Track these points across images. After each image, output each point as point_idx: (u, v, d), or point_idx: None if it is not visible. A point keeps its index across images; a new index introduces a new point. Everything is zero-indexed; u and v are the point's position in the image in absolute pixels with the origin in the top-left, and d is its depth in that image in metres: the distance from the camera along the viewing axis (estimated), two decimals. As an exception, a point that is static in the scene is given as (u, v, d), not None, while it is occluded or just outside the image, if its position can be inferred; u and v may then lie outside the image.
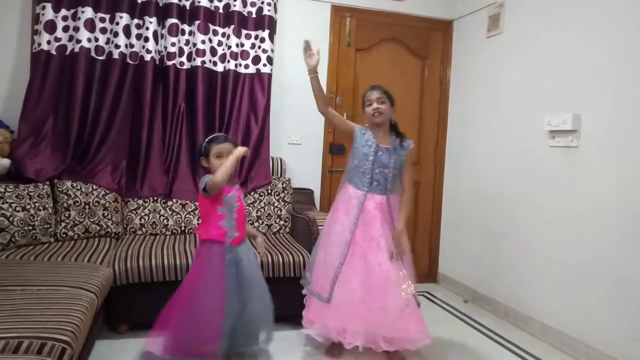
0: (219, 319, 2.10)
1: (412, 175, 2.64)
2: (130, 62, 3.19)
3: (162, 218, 3.16)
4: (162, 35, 3.29)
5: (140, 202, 3.16)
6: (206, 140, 2.25)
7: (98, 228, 2.95)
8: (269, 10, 3.44)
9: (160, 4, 3.26)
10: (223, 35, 3.40)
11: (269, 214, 3.35)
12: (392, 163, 2.47)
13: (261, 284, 2.27)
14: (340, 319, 2.35)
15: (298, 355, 2.52)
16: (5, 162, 2.82)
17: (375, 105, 2.47)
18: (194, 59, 3.33)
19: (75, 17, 3.08)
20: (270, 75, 3.47)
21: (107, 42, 3.15)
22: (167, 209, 3.19)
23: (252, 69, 3.45)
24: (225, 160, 2.13)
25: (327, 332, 2.41)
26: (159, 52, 3.29)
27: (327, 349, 2.51)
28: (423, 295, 3.60)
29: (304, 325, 2.51)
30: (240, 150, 2.16)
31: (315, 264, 2.54)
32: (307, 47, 2.49)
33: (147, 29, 3.21)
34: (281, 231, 3.37)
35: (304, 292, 2.59)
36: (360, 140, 2.50)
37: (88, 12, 3.06)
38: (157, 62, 3.27)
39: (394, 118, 2.55)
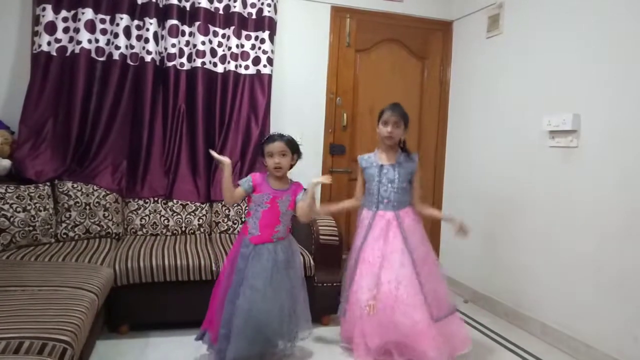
0: (221, 307, 2.22)
1: (419, 183, 2.67)
2: (131, 63, 3.20)
3: (162, 219, 3.16)
4: (162, 37, 3.29)
5: (141, 202, 3.17)
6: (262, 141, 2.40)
7: (99, 229, 2.96)
8: (269, 12, 3.44)
9: (160, 5, 3.27)
10: (223, 36, 3.41)
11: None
12: (397, 176, 2.52)
13: (280, 290, 2.25)
14: (352, 333, 2.42)
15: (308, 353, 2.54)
16: (6, 163, 2.83)
17: (390, 129, 2.50)
18: (194, 60, 3.33)
19: (75, 18, 3.09)
20: (270, 76, 3.48)
21: (108, 43, 3.15)
22: (168, 209, 3.20)
23: (252, 70, 3.46)
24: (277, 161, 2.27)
25: (351, 343, 2.48)
26: (159, 53, 3.29)
27: None
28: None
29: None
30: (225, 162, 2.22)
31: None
32: None
33: (148, 30, 3.21)
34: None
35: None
36: (366, 165, 2.60)
37: (88, 14, 3.07)
38: (158, 63, 3.28)
39: (404, 137, 2.59)
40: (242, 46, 3.45)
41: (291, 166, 2.37)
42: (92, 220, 2.95)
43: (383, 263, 2.42)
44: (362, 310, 2.37)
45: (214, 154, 2.27)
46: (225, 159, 2.22)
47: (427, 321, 2.32)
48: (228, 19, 3.42)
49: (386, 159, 2.56)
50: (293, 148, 2.32)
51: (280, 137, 2.31)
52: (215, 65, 3.39)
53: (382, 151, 2.59)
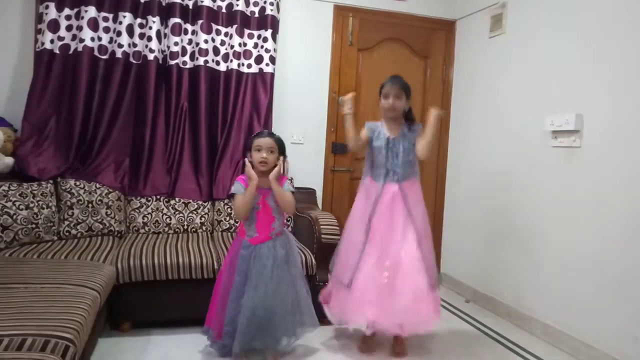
0: (224, 306, 2.29)
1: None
2: (134, 61, 3.20)
3: (164, 217, 3.17)
4: (165, 35, 3.30)
5: (143, 200, 3.18)
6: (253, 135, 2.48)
7: (101, 226, 2.97)
8: (271, 10, 3.44)
9: (163, 4, 3.27)
10: (226, 34, 3.41)
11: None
12: (402, 150, 2.54)
13: (281, 285, 2.31)
14: (357, 303, 2.43)
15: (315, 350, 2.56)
16: (9, 160, 2.84)
17: (391, 101, 2.51)
18: (197, 59, 3.33)
19: (78, 16, 3.09)
20: (272, 74, 3.48)
21: (110, 41, 3.16)
22: (170, 207, 3.20)
23: (254, 69, 3.46)
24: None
25: (344, 315, 2.51)
26: (162, 51, 3.30)
27: (359, 346, 2.58)
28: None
29: (321, 302, 2.61)
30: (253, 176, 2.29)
31: (339, 251, 2.65)
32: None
33: (150, 28, 3.22)
34: (283, 230, 3.37)
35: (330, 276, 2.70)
36: (372, 136, 2.59)
37: (91, 12, 3.07)
38: (160, 62, 3.28)
39: (407, 107, 2.59)
40: (245, 45, 3.46)
41: (275, 165, 2.39)
42: (95, 218, 2.95)
43: (392, 234, 2.46)
44: (370, 281, 2.40)
45: (249, 168, 2.31)
46: (257, 177, 2.29)
47: (427, 286, 2.40)
48: (231, 17, 3.42)
49: (391, 131, 2.57)
50: (281, 148, 2.39)
51: (271, 134, 2.40)
52: (217, 63, 3.39)
53: (386, 123, 2.59)
